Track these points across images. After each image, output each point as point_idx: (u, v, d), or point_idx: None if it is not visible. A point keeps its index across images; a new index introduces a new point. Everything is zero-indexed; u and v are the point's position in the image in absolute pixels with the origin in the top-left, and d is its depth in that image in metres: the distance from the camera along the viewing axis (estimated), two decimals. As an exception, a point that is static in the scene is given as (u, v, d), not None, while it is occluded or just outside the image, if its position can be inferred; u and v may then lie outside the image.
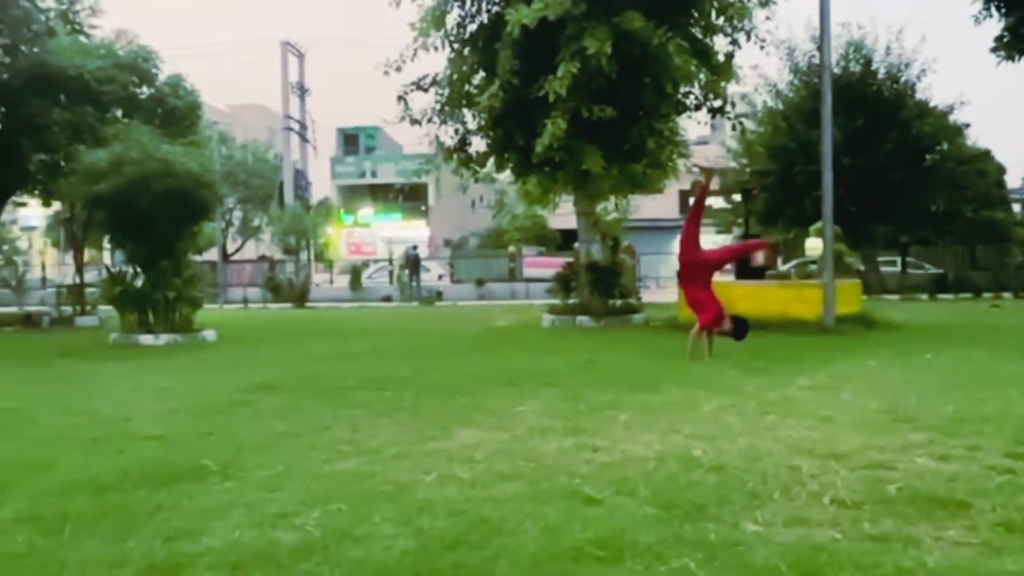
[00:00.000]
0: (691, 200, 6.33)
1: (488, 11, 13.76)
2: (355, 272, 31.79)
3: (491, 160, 15.01)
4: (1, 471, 4.15)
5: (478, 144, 15.05)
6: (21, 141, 16.56)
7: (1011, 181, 35.90)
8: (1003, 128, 67.03)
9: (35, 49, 16.56)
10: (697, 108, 14.48)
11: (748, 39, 13.63)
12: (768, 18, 13.71)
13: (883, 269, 26.74)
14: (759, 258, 14.21)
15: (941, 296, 23.66)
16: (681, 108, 14.37)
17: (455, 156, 15.11)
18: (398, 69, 13.93)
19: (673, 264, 16.87)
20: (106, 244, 21.81)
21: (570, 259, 16.70)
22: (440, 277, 34.54)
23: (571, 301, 15.12)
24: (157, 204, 12.08)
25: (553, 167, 13.66)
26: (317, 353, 10.27)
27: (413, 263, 28.99)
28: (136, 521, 3.31)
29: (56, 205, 20.89)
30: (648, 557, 2.80)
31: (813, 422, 5.08)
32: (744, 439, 4.60)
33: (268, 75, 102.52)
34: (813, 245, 18.57)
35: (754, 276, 13.60)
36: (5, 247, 31.26)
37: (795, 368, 7.64)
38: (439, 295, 28.74)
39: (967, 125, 27.16)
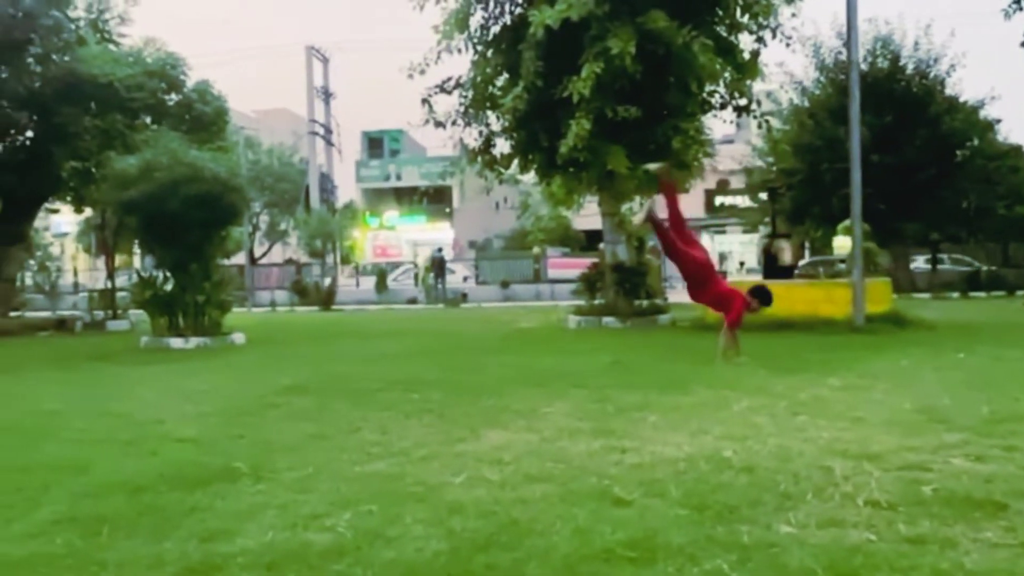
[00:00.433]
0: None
1: (511, 13, 13.77)
2: (381, 275, 31.99)
3: (515, 161, 15.02)
4: (40, 473, 4.23)
5: (502, 146, 15.07)
6: (53, 149, 16.84)
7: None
8: (1035, 123, 65.77)
9: (66, 58, 16.84)
10: (722, 107, 14.38)
11: (774, 36, 13.52)
12: (794, 15, 13.62)
13: (937, 267, 26.56)
14: (786, 256, 14.12)
15: (973, 294, 23.29)
16: (706, 107, 14.28)
17: (479, 158, 15.14)
18: (422, 72, 14.00)
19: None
20: (136, 249, 22.14)
21: (595, 260, 16.66)
22: (465, 279, 34.61)
23: (597, 302, 15.08)
24: (186, 209, 12.22)
25: (578, 168, 13.63)
26: (345, 355, 10.34)
27: (439, 265, 29.11)
28: (171, 522, 3.35)
29: (87, 211, 21.21)
30: (681, 559, 2.79)
31: (845, 423, 5.02)
32: (775, 440, 4.56)
33: (293, 80, 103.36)
34: (841, 244, 18.36)
35: (782, 275, 13.49)
36: (38, 253, 31.83)
37: (825, 368, 7.57)
38: (464, 297, 28.81)
39: (998, 120, 26.69)
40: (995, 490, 3.49)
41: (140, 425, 5.62)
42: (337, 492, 3.73)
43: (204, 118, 18.04)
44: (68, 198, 19.38)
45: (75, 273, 37.19)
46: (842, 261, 17.36)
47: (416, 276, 32.90)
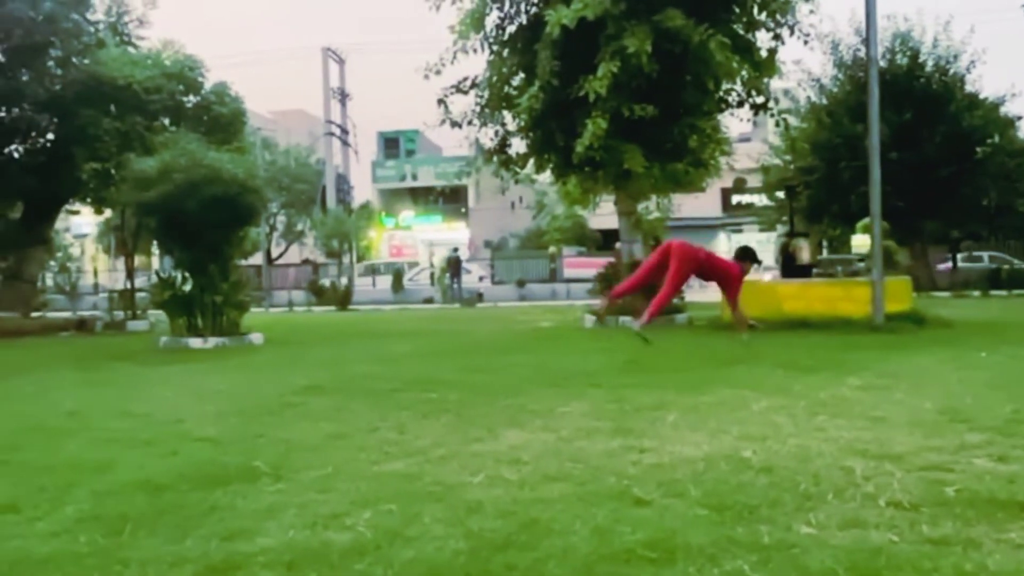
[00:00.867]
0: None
1: (527, 12, 13.77)
2: (397, 275, 32.10)
3: (531, 161, 15.02)
4: (64, 472, 4.27)
5: (518, 145, 15.09)
6: (74, 151, 17.03)
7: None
8: (1057, 119, 64.85)
9: (86, 61, 17.02)
10: (739, 105, 14.32)
11: (791, 34, 13.45)
12: (812, 12, 13.54)
13: (970, 265, 26.38)
14: (804, 255, 14.03)
15: (994, 292, 23.05)
16: (723, 105, 14.23)
17: (495, 158, 15.16)
18: (438, 72, 14.03)
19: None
20: (155, 250, 22.35)
21: (611, 259, 16.62)
22: (481, 279, 34.68)
23: (613, 301, 15.03)
24: (204, 210, 12.31)
25: (594, 167, 13.61)
26: (362, 355, 10.38)
27: (454, 265, 29.18)
28: (193, 521, 3.38)
29: (107, 212, 21.43)
30: (701, 559, 2.77)
31: (865, 422, 4.98)
32: (795, 440, 4.53)
33: (310, 81, 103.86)
34: (860, 242, 18.23)
35: (800, 274, 13.40)
36: (59, 254, 32.17)
37: (845, 367, 7.51)
38: (480, 296, 28.85)
39: (1019, 117, 26.47)
40: (1019, 490, 3.45)
41: (160, 424, 5.67)
42: (356, 491, 3.75)
43: (222, 119, 18.19)
44: (88, 199, 19.60)
45: (95, 274, 37.56)
46: (860, 259, 17.23)
47: (432, 276, 33.00)
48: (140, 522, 3.37)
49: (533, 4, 13.66)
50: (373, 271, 37.90)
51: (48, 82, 17.03)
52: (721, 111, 14.42)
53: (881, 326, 11.33)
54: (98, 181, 18.16)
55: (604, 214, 22.07)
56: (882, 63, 22.50)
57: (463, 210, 51.83)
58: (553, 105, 12.87)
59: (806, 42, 13.82)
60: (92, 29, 17.47)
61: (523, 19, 13.82)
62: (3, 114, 17.09)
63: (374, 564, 2.84)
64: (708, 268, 8.31)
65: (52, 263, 27.44)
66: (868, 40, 12.46)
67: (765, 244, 40.22)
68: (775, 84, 14.75)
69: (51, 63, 17.14)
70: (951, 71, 24.55)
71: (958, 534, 2.96)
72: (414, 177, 52.45)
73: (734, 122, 17.53)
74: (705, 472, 3.91)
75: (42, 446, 5.03)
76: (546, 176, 16.42)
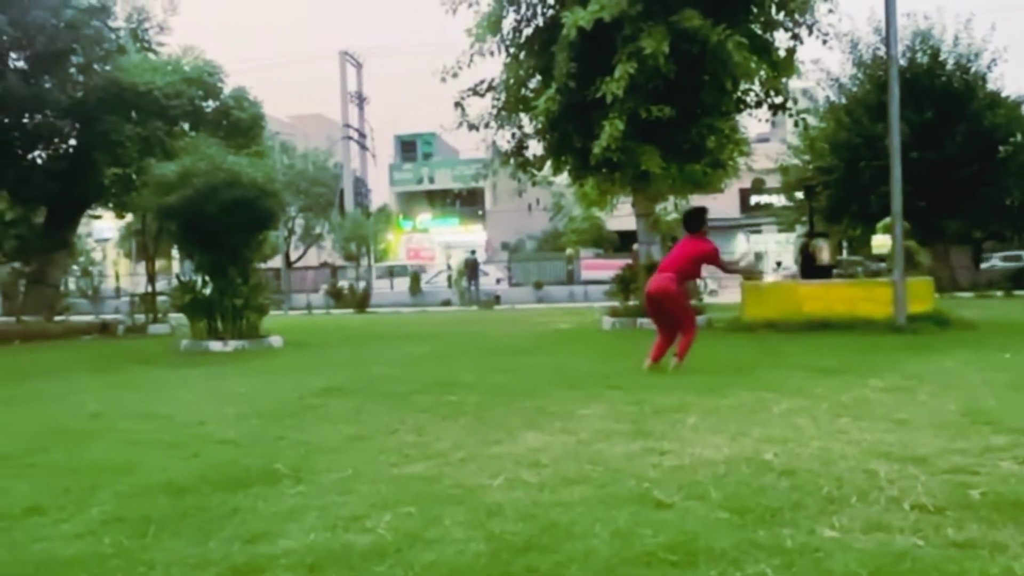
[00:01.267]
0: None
1: (543, 14, 13.77)
2: (415, 277, 32.20)
3: (548, 163, 15.01)
4: (88, 474, 4.31)
5: (535, 147, 15.09)
6: (96, 156, 17.23)
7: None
8: (1081, 116, 63.89)
9: (107, 67, 17.21)
10: (758, 105, 14.24)
11: (810, 33, 13.36)
12: (831, 11, 13.43)
13: (1008, 265, 26.11)
14: (824, 256, 13.91)
15: (1017, 292, 22.76)
16: (741, 105, 14.15)
17: (512, 160, 15.17)
18: (455, 75, 14.07)
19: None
20: (176, 254, 22.53)
21: (629, 261, 16.58)
22: (498, 281, 34.71)
23: (631, 303, 15.00)
24: (224, 214, 12.40)
25: (611, 168, 13.59)
26: (381, 357, 10.41)
27: (472, 268, 29.24)
28: (215, 523, 3.40)
29: (128, 217, 21.65)
30: (723, 563, 2.75)
31: (888, 424, 4.93)
32: (817, 442, 4.49)
33: (328, 85, 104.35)
34: (881, 242, 18.07)
35: (820, 275, 13.30)
36: (81, 258, 32.53)
37: (867, 369, 7.44)
38: (497, 299, 28.87)
39: (1042, 115, 26.10)
40: (1046, 494, 3.40)
41: (182, 427, 5.71)
42: (376, 494, 3.75)
43: (241, 124, 18.33)
44: (110, 204, 19.83)
45: (117, 278, 37.91)
46: (881, 259, 17.08)
47: (449, 278, 33.07)
48: (163, 524, 3.40)
49: (549, 6, 13.66)
50: (391, 273, 38.07)
51: (70, 89, 17.23)
52: (739, 111, 14.34)
53: (903, 327, 11.21)
54: (119, 186, 18.37)
55: (621, 215, 22.04)
56: (902, 62, 22.31)
57: (480, 212, 51.91)
58: (570, 107, 12.86)
59: (825, 41, 13.73)
60: (113, 36, 17.65)
61: (540, 21, 13.83)
62: (26, 120, 17.31)
63: (394, 567, 2.84)
64: (690, 269, 8.26)
65: (75, 267, 27.71)
66: (888, 39, 12.35)
67: (784, 245, 40.00)
68: (794, 84, 14.64)
69: (73, 70, 17.35)
70: (972, 69, 24.30)
71: (984, 537, 2.92)
72: (431, 180, 52.62)
73: (752, 122, 17.43)
74: (726, 475, 3.88)
75: (66, 448, 5.08)
76: (563, 178, 16.41)
